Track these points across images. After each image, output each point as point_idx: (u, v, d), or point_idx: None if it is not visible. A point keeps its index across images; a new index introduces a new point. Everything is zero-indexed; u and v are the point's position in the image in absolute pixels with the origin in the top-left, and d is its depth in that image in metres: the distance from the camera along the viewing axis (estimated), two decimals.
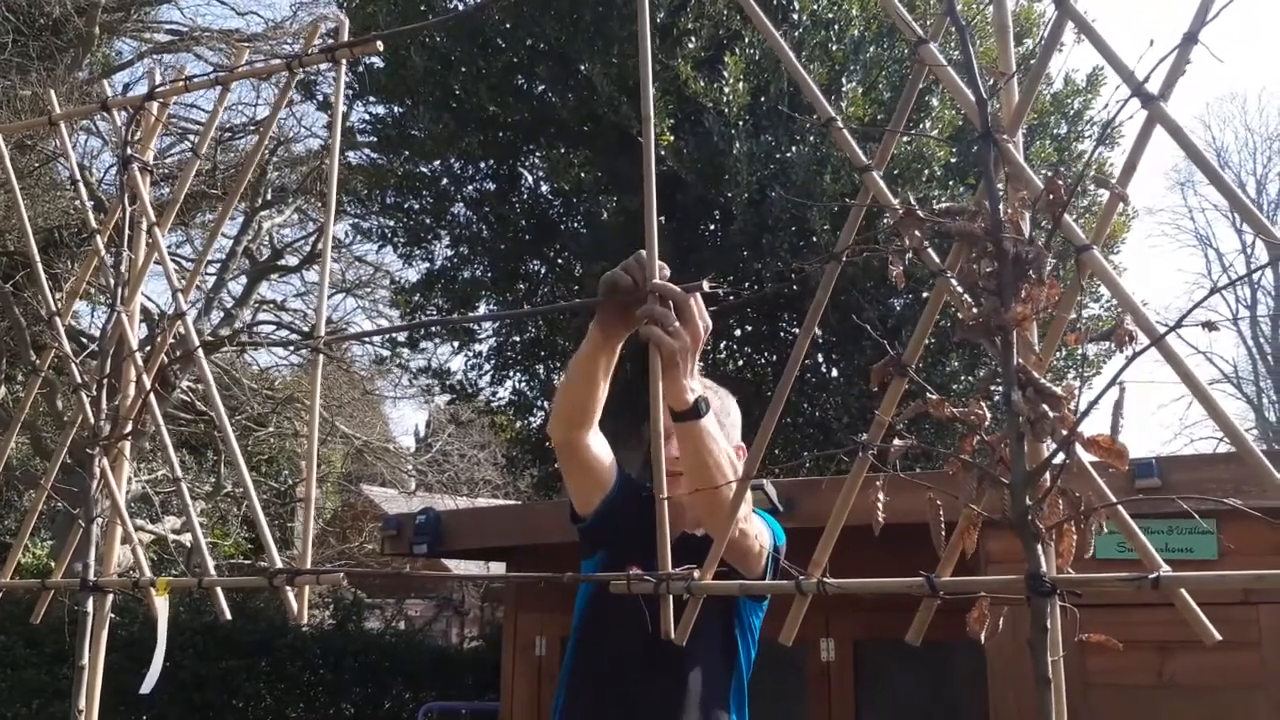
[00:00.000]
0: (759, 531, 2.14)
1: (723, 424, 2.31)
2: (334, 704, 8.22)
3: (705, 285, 1.86)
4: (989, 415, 1.53)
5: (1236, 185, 1.52)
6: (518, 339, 9.80)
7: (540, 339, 9.58)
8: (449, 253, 9.01)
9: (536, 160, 8.22)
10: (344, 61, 2.37)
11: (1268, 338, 25.67)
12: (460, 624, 14.03)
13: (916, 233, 1.61)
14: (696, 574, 1.72)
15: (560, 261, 8.68)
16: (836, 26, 6.48)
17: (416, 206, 8.57)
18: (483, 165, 8.38)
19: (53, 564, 5.82)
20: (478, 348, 9.80)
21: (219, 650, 7.74)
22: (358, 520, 19.25)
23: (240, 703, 7.89)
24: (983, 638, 1.51)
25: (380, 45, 2.29)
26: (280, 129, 12.54)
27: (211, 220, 12.93)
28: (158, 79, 2.61)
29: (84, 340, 14.29)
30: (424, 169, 8.59)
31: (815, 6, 6.38)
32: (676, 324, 1.80)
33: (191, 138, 12.20)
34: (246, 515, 13.63)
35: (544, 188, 8.50)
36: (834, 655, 4.66)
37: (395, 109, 8.49)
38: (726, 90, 6.08)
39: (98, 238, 2.56)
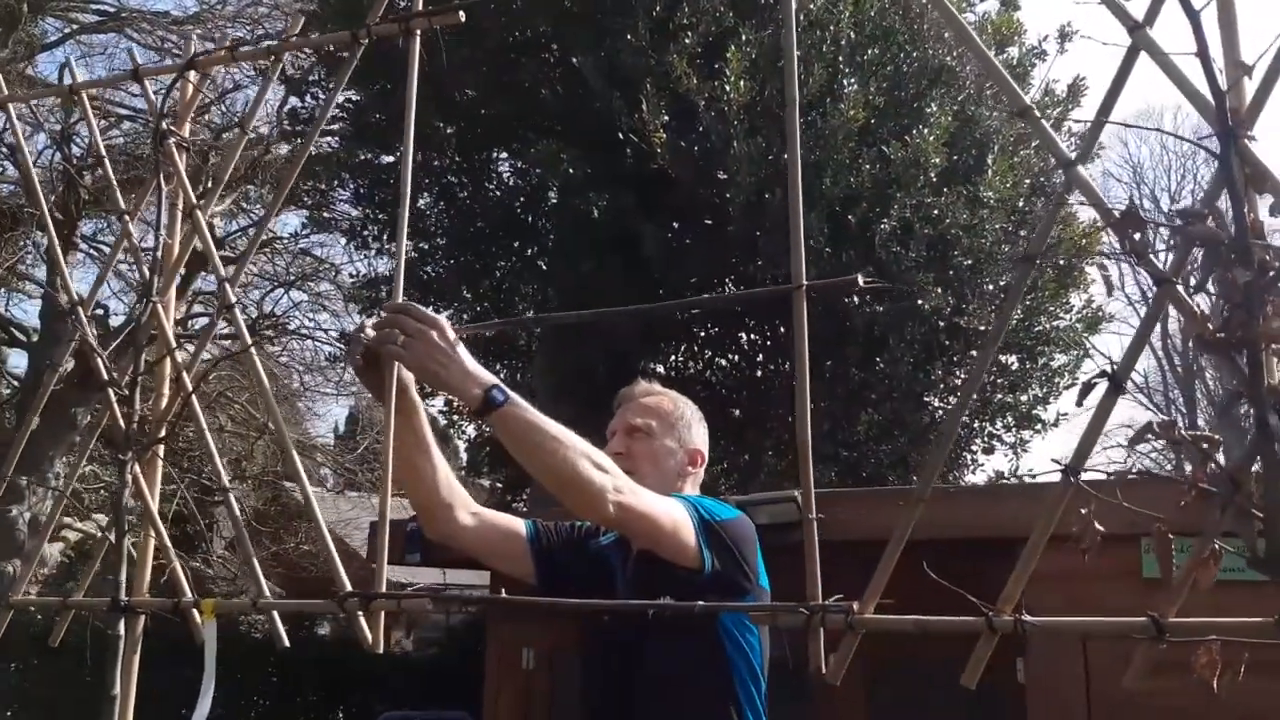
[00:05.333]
0: (654, 503, 1.97)
1: (674, 425, 2.29)
2: (287, 712, 7.91)
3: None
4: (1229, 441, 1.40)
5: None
6: (482, 339, 9.57)
7: (505, 337, 9.36)
8: (414, 246, 8.76)
9: (508, 155, 8.02)
10: (417, 33, 2.17)
11: (1176, 349, 26.28)
12: (406, 628, 13.72)
13: (1137, 236, 1.48)
14: (856, 604, 1.58)
15: (529, 254, 8.49)
16: (833, 28, 6.39)
17: (388, 198, 8.31)
18: (454, 159, 8.15)
19: None
20: None
21: (167, 657, 7.35)
22: (291, 520, 18.68)
23: (189, 712, 7.53)
24: (1214, 686, 1.38)
25: (462, 16, 2.11)
26: (229, 115, 12.08)
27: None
28: (195, 47, 2.39)
29: (14, 330, 13.66)
30: (389, 159, 8.34)
31: (812, 6, 6.27)
32: (401, 335, 1.70)
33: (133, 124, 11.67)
34: (180, 511, 13.15)
35: (514, 181, 8.31)
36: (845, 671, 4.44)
37: (360, 97, 8.22)
38: (728, 88, 5.93)
39: (126, 219, 2.34)
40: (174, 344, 2.25)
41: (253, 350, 2.21)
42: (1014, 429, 8.75)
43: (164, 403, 2.23)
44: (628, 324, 7.64)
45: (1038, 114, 1.61)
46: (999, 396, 8.32)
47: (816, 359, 7.78)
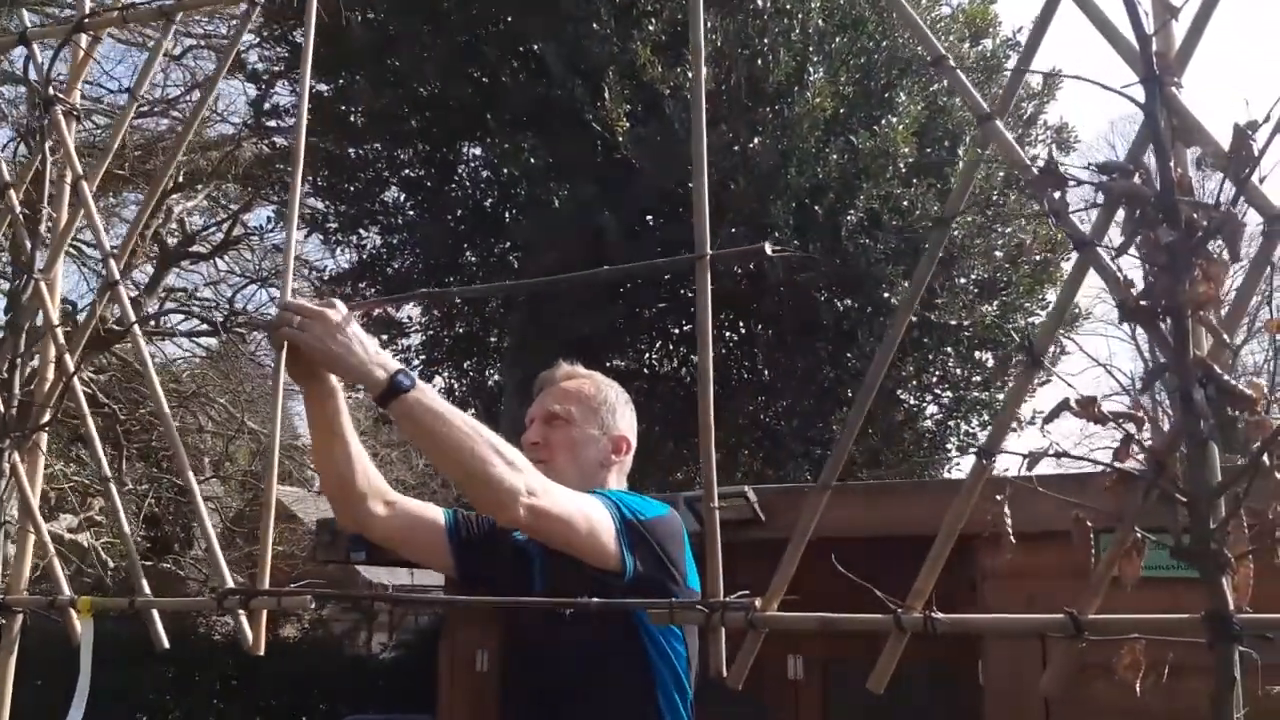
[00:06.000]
0: (569, 505, 1.85)
1: (596, 411, 2.17)
2: (247, 716, 7.74)
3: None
4: (1158, 419, 1.29)
5: None
6: (447, 335, 9.44)
7: (473, 333, 9.23)
8: (379, 241, 8.62)
9: (477, 150, 7.87)
10: None
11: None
12: (369, 628, 13.59)
13: (1057, 195, 1.36)
14: (759, 601, 1.46)
15: (498, 251, 8.34)
16: (800, 16, 6.25)
17: (351, 190, 8.15)
18: (420, 149, 8.00)
19: None
20: (406, 342, 9.41)
21: (118, 657, 7.17)
22: None
23: (145, 716, 7.37)
24: (1138, 689, 1.27)
25: None
26: (191, 109, 11.90)
27: (116, 204, 12.29)
28: (87, 8, 2.26)
29: None
30: (355, 151, 8.19)
31: None
32: (299, 318, 1.64)
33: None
34: (150, 512, 12.98)
35: (484, 173, 8.17)
36: (802, 674, 4.33)
37: (326, 86, 8.06)
38: (691, 75, 5.76)
39: (11, 193, 2.20)
40: (56, 323, 2.12)
41: (137, 330, 2.09)
42: (989, 427, 8.57)
43: (46, 387, 2.10)
44: (597, 321, 7.51)
45: (953, 64, 1.49)
46: (973, 394, 8.21)
47: (787, 355, 7.70)
